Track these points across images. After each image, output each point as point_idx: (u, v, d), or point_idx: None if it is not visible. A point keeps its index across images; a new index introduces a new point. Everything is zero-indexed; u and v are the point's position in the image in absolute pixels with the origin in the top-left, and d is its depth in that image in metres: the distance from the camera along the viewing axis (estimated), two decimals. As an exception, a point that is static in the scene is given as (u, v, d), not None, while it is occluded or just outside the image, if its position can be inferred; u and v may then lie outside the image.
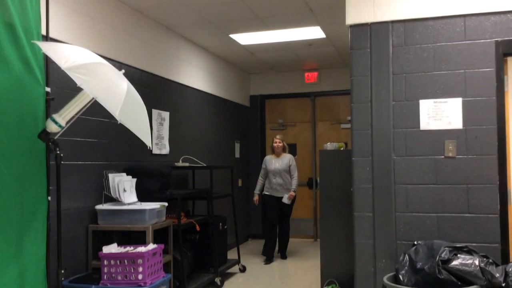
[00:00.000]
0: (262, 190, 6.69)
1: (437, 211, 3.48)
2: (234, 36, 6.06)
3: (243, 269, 6.00)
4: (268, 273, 6.07)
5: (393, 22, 3.60)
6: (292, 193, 6.52)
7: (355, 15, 3.67)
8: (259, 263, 6.49)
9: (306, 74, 8.19)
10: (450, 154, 3.48)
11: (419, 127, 3.54)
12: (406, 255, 3.22)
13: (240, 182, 7.86)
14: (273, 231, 6.70)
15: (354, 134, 3.70)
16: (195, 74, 6.39)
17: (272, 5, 4.96)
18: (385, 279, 3.24)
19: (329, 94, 8.20)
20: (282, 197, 6.48)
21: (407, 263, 3.16)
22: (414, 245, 3.32)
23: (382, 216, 3.58)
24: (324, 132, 8.30)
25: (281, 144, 6.59)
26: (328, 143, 4.88)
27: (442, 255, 3.02)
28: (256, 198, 6.73)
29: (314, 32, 5.91)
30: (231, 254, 6.25)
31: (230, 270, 5.87)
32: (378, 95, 3.63)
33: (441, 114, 3.50)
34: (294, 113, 8.48)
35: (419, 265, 3.06)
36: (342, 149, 4.85)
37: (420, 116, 3.53)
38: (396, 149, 3.58)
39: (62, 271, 2.89)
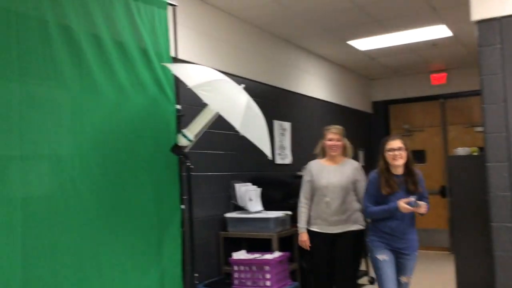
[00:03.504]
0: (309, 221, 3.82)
1: None
2: (352, 43, 6.00)
3: (372, 281, 5.83)
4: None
5: (526, 13, 3.28)
6: None
7: (481, 10, 3.41)
8: (388, 275, 6.24)
9: (432, 76, 7.76)
10: None
11: None
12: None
13: (365, 191, 7.68)
14: None
15: (488, 137, 3.43)
16: (314, 84, 6.44)
17: (389, 7, 4.83)
18: (529, 295, 2.93)
19: (460, 95, 7.66)
20: (339, 234, 3.68)
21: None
22: None
23: (523, 225, 3.25)
24: (456, 136, 7.76)
25: (339, 143, 3.81)
26: (459, 148, 4.57)
27: None
28: (304, 237, 3.77)
29: (439, 31, 5.60)
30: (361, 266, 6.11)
31: (359, 282, 5.74)
32: (513, 93, 3.32)
33: None
34: (421, 117, 8.07)
35: None
36: (475, 154, 4.50)
37: None
38: (538, 151, 3.23)
39: (196, 275, 3.11)
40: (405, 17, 5.10)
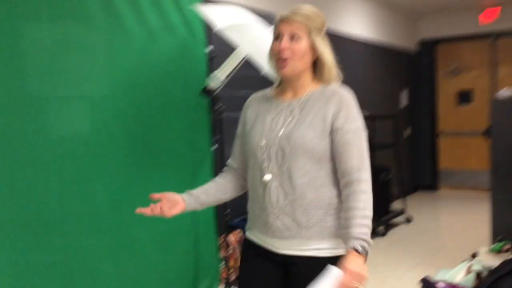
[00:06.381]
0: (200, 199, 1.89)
1: None
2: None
3: (408, 220, 5.88)
4: (436, 225, 5.84)
5: None
6: (353, 264, 1.44)
7: None
8: (426, 215, 6.27)
9: (484, 11, 7.27)
10: None
11: None
12: None
13: (409, 131, 7.57)
14: None
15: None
16: (356, 22, 6.21)
17: None
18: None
19: (514, 32, 7.21)
20: (294, 259, 1.63)
21: None
22: None
23: None
24: (509, 76, 7.38)
25: (298, 46, 1.63)
26: (504, 89, 4.37)
27: None
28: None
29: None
30: (398, 205, 6.15)
31: (394, 221, 5.80)
32: None
33: None
34: (471, 56, 7.68)
35: None
36: (520, 94, 4.28)
37: None
38: None
39: (227, 211, 3.26)
40: None
